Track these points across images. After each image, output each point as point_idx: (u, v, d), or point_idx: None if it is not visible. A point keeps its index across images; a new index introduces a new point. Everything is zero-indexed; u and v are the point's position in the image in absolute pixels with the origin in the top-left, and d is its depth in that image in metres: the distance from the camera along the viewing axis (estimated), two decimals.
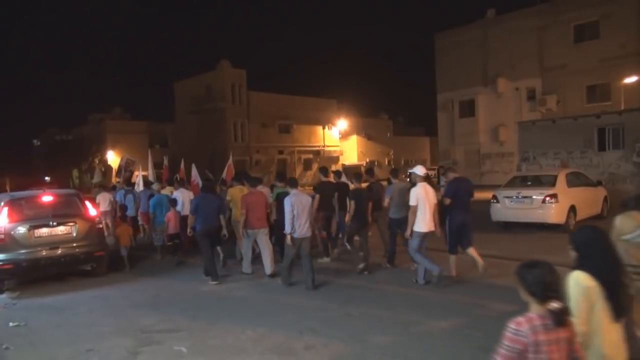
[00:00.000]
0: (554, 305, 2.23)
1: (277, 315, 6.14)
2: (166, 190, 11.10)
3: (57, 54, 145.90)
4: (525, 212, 11.27)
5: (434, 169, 27.95)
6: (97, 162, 37.68)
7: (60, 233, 8.22)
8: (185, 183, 12.42)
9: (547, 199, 10.88)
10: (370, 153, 50.58)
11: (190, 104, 42.19)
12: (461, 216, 7.41)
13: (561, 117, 20.03)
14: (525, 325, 2.23)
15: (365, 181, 9.19)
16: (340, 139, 48.74)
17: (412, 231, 7.09)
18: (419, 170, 7.29)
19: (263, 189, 9.44)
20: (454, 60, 31.87)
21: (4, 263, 7.74)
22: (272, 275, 8.12)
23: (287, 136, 44.52)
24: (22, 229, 7.93)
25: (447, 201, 7.46)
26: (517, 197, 11.47)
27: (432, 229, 7.11)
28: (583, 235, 2.83)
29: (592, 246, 2.71)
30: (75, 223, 8.39)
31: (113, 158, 39.24)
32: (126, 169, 17.51)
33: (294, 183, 7.79)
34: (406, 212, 7.52)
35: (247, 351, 5.01)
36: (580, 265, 2.66)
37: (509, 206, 11.60)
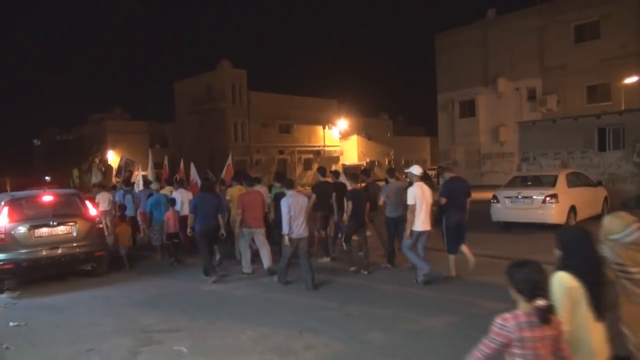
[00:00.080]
0: (540, 303, 2.31)
1: (277, 315, 6.14)
2: (165, 190, 11.10)
3: (58, 54, 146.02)
4: (526, 212, 11.27)
5: (434, 169, 27.97)
6: (98, 161, 37.67)
7: (60, 233, 8.22)
8: (185, 183, 12.43)
9: (548, 199, 10.88)
10: (371, 153, 50.57)
11: (191, 104, 42.20)
12: (457, 216, 7.48)
13: (561, 117, 20.01)
14: (511, 321, 2.33)
15: (362, 181, 9.25)
16: (340, 139, 48.74)
17: (411, 230, 7.13)
18: (416, 170, 7.40)
19: (261, 189, 9.48)
20: (454, 60, 31.87)
21: (5, 263, 7.74)
22: (271, 271, 8.16)
23: (288, 136, 44.52)
24: (22, 229, 7.93)
25: (443, 201, 7.52)
26: (517, 197, 11.47)
27: (428, 228, 7.22)
28: (568, 235, 2.89)
29: (576, 246, 2.77)
30: (76, 223, 8.39)
31: (113, 158, 39.24)
32: (126, 169, 17.52)
33: (290, 184, 7.83)
34: (403, 211, 7.60)
35: (247, 351, 5.01)
36: (564, 266, 2.72)
37: (509, 206, 11.60)
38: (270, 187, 10.08)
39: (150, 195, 10.87)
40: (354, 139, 50.27)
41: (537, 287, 2.36)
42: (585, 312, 2.62)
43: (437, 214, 7.72)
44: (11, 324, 6.28)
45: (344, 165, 42.65)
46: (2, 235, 7.79)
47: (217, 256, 8.97)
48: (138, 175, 15.74)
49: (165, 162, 16.48)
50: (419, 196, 7.07)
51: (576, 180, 12.17)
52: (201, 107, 41.13)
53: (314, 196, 9.05)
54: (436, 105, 33.92)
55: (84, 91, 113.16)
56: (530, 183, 12.23)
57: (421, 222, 7.11)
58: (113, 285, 8.24)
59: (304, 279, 7.42)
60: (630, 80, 23.01)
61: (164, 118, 48.29)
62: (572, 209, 11.23)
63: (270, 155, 43.09)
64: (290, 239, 7.30)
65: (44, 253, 7.97)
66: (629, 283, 2.89)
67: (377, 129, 54.43)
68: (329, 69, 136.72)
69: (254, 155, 41.71)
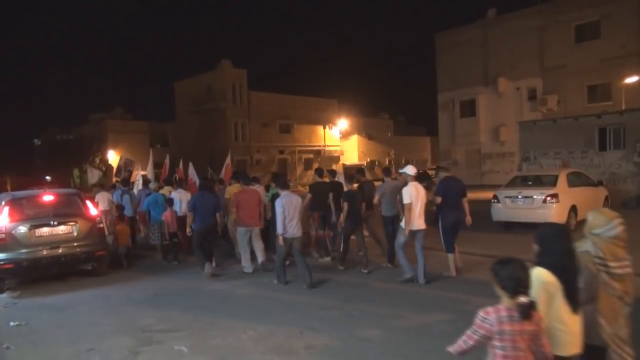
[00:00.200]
0: (522, 299, 2.41)
1: (277, 315, 6.14)
2: (164, 191, 11.15)
3: (58, 54, 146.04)
4: (526, 212, 11.26)
5: (434, 169, 27.96)
6: (98, 161, 37.68)
7: (61, 232, 8.22)
8: (184, 183, 12.47)
9: (548, 198, 10.87)
10: (371, 153, 50.55)
11: (191, 104, 42.20)
12: (453, 215, 7.57)
13: (562, 117, 20.00)
14: (492, 314, 2.45)
15: (357, 181, 9.33)
16: (340, 139, 48.74)
17: (408, 229, 7.19)
18: (410, 169, 7.47)
19: (259, 188, 9.55)
20: (454, 60, 31.85)
21: (5, 262, 7.74)
22: (266, 267, 8.42)
23: (288, 136, 44.52)
24: (22, 229, 7.93)
25: (438, 200, 7.59)
26: (518, 197, 11.47)
27: (423, 226, 7.30)
28: (545, 231, 2.99)
29: (553, 242, 2.87)
30: (76, 222, 8.39)
31: (114, 158, 39.25)
32: (125, 169, 17.55)
33: (284, 184, 7.89)
34: (398, 209, 7.67)
35: (248, 351, 5.01)
36: (540, 261, 2.82)
37: (510, 206, 11.59)
38: (268, 187, 10.15)
39: (149, 194, 10.91)
40: (355, 139, 50.25)
41: (520, 284, 2.46)
42: (561, 306, 2.73)
43: (435, 214, 7.80)
44: (12, 323, 6.28)
45: (344, 165, 42.64)
46: (3, 235, 7.79)
47: (213, 264, 8.91)
48: (137, 175, 15.77)
49: (166, 161, 16.49)
50: (414, 195, 7.17)
51: (577, 180, 12.16)
52: (201, 107, 41.13)
53: (309, 196, 9.17)
54: (436, 105, 33.90)
55: (85, 91, 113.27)
56: (530, 183, 12.21)
57: (417, 220, 7.21)
58: (113, 284, 8.24)
59: (302, 277, 7.47)
60: (631, 80, 22.99)
61: (164, 118, 48.32)
62: (573, 209, 11.22)
63: (270, 155, 43.09)
64: (284, 239, 7.37)
65: (45, 253, 7.97)
66: (607, 276, 2.99)
67: (377, 128, 54.42)
68: (330, 69, 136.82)
69: (255, 155, 41.71)
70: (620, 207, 14.09)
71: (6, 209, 8.06)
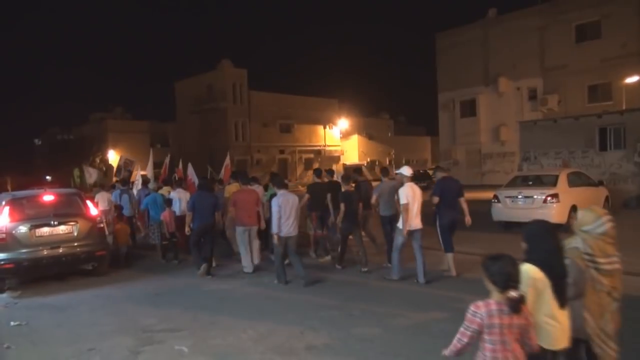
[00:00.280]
0: (512, 294, 2.48)
1: (278, 314, 6.14)
2: (163, 191, 11.21)
3: (58, 54, 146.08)
4: (527, 212, 11.23)
5: (433, 169, 28.00)
6: (99, 161, 37.68)
7: (61, 232, 8.22)
8: (183, 183, 12.53)
9: (549, 198, 10.86)
10: (372, 153, 50.54)
11: (192, 104, 42.21)
12: (450, 215, 7.63)
13: (562, 116, 20.00)
14: (482, 308, 2.51)
15: (355, 181, 9.41)
16: (341, 139, 48.73)
17: (405, 229, 7.24)
18: (406, 170, 7.58)
19: (258, 188, 9.64)
20: (455, 59, 31.84)
21: (5, 262, 7.73)
22: (259, 267, 8.52)
23: (288, 136, 44.52)
24: (23, 229, 7.93)
25: (435, 200, 7.64)
26: (518, 197, 11.46)
27: (420, 226, 7.37)
28: (532, 229, 3.07)
29: (539, 239, 2.96)
30: (77, 222, 8.39)
31: (114, 157, 39.25)
32: (125, 169, 17.59)
33: (281, 184, 7.96)
34: (396, 209, 7.76)
35: (249, 351, 5.00)
36: (529, 258, 2.89)
37: (510, 206, 11.59)
38: (266, 187, 10.22)
39: (148, 194, 10.97)
40: (355, 139, 50.25)
41: (510, 279, 2.53)
42: (550, 301, 2.81)
43: (433, 213, 7.87)
44: (12, 323, 6.28)
45: (344, 164, 42.66)
46: (3, 235, 7.79)
47: (214, 264, 8.96)
48: (137, 175, 15.81)
49: (166, 161, 16.51)
50: (411, 196, 7.24)
51: (577, 179, 12.15)
52: (202, 107, 41.14)
53: (306, 196, 9.24)
54: (437, 104, 33.89)
55: (85, 91, 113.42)
56: (531, 183, 12.21)
57: (413, 220, 7.28)
58: (114, 284, 8.24)
59: (298, 274, 7.55)
60: (632, 79, 22.96)
61: (164, 118, 48.36)
62: (573, 209, 11.20)
63: (270, 155, 43.10)
64: (279, 238, 7.44)
65: (45, 253, 7.96)
66: (595, 272, 3.05)
67: (377, 128, 54.42)
68: (330, 69, 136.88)
69: (255, 155, 41.72)
70: (620, 207, 14.09)
71: (6, 209, 8.06)
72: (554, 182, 11.43)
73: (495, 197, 11.96)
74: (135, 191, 12.96)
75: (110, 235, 10.54)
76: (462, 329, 2.57)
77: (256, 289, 7.57)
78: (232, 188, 9.72)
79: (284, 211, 7.41)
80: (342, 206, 8.29)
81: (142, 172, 16.92)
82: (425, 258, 7.44)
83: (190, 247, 8.71)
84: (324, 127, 46.49)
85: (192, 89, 42.67)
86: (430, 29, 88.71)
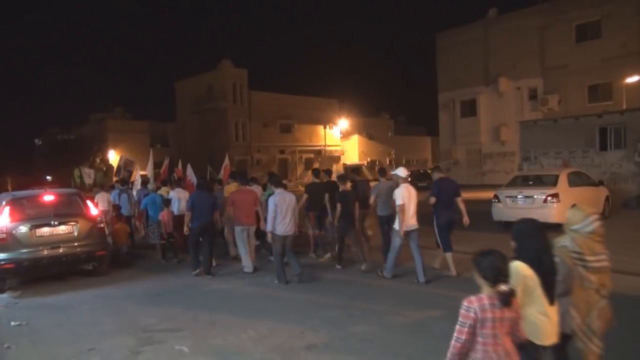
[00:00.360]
0: (503, 288, 2.53)
1: (278, 314, 6.14)
2: (162, 191, 11.25)
3: (59, 54, 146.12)
4: (527, 211, 11.20)
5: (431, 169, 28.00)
6: (99, 161, 37.67)
7: (61, 232, 8.22)
8: (182, 182, 12.58)
9: (549, 198, 10.86)
10: (372, 153, 50.52)
11: (192, 104, 42.21)
12: (447, 214, 7.70)
13: (563, 116, 19.99)
14: (475, 303, 2.55)
15: (352, 180, 9.52)
16: (341, 139, 48.72)
17: (402, 229, 7.29)
18: (401, 172, 7.63)
19: (257, 189, 9.75)
20: (455, 59, 31.83)
21: (6, 262, 7.73)
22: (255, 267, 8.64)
23: (288, 136, 44.52)
24: (23, 229, 7.93)
25: (432, 200, 7.70)
26: (518, 196, 11.46)
27: (416, 226, 7.46)
28: (520, 228, 3.15)
29: (528, 237, 3.03)
30: (77, 222, 8.39)
31: (114, 157, 39.25)
32: (125, 169, 17.62)
33: (278, 182, 8.03)
34: (393, 209, 7.82)
35: (249, 350, 5.00)
36: (518, 256, 2.96)
37: (511, 206, 11.58)
38: (264, 187, 10.28)
39: (147, 195, 11.00)
40: (355, 139, 50.23)
41: (500, 273, 2.58)
42: (540, 298, 2.88)
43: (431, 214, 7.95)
44: (12, 323, 6.28)
45: (344, 164, 42.66)
46: (4, 235, 7.79)
47: (213, 263, 9.00)
48: (137, 175, 15.87)
49: (166, 162, 16.59)
50: (406, 196, 7.33)
51: (577, 179, 12.15)
52: (202, 107, 41.14)
53: (305, 196, 9.31)
54: (437, 104, 33.89)
55: (85, 91, 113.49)
56: (531, 182, 12.20)
57: (408, 220, 7.36)
58: (114, 284, 8.24)
59: (295, 273, 7.63)
60: (632, 79, 22.95)
61: (165, 118, 48.36)
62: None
63: (271, 155, 43.10)
64: (273, 236, 7.55)
65: (45, 253, 7.96)
66: (583, 270, 3.13)
67: (378, 128, 54.41)
68: (330, 69, 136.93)
69: (255, 155, 41.72)
70: (621, 207, 14.09)
71: (7, 209, 8.06)
72: (554, 182, 11.43)
73: (496, 197, 11.96)
74: (134, 191, 12.98)
75: (109, 235, 10.56)
76: (458, 327, 2.57)
77: (256, 288, 7.58)
78: (231, 188, 9.82)
79: (280, 210, 7.50)
80: (338, 206, 8.36)
81: (143, 172, 16.95)
82: (423, 257, 7.47)
83: (189, 246, 8.74)
84: (324, 127, 46.48)
85: (192, 89, 42.67)
86: (431, 28, 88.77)
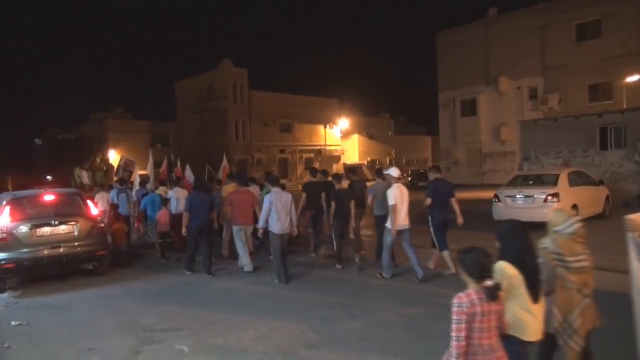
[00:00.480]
0: (488, 283, 2.62)
1: (278, 314, 6.14)
2: (160, 191, 11.30)
3: (59, 53, 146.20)
4: (527, 211, 11.22)
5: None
6: (99, 161, 37.67)
7: (62, 232, 8.22)
8: (181, 182, 12.64)
9: (549, 198, 10.85)
10: (372, 152, 50.52)
11: (192, 104, 42.21)
12: (442, 214, 7.79)
13: (563, 116, 19.97)
14: (465, 299, 2.62)
15: (349, 180, 9.68)
16: (341, 139, 48.72)
17: (394, 229, 7.36)
18: (394, 172, 7.73)
19: (255, 189, 9.91)
20: (455, 59, 31.81)
21: (6, 262, 7.74)
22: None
23: (289, 135, 44.51)
24: (24, 228, 7.93)
25: (429, 202, 7.77)
26: (519, 196, 11.45)
27: (408, 226, 7.54)
28: (503, 229, 3.24)
29: (511, 238, 3.12)
30: (77, 222, 8.39)
31: (115, 157, 39.26)
32: (126, 169, 17.66)
33: (275, 182, 8.09)
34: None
35: (249, 350, 5.01)
36: (503, 256, 3.04)
37: (511, 205, 11.57)
38: (262, 187, 10.36)
39: (146, 194, 11.01)
40: (355, 139, 50.23)
41: (484, 269, 2.67)
42: (525, 296, 2.96)
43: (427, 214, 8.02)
44: (13, 323, 6.28)
45: (345, 164, 42.66)
46: (4, 235, 7.80)
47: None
48: (136, 175, 15.94)
49: (165, 163, 16.67)
50: (399, 196, 7.39)
51: (578, 179, 12.14)
52: (202, 107, 41.13)
53: (304, 195, 9.40)
54: (437, 104, 33.88)
55: (86, 90, 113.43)
56: (532, 182, 12.20)
57: (401, 220, 7.43)
58: (114, 284, 8.24)
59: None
60: (632, 79, 22.93)
61: (165, 118, 48.34)
62: (574, 208, 11.19)
63: (271, 155, 43.10)
64: (273, 234, 7.63)
65: (46, 252, 7.97)
66: (564, 271, 3.22)
67: (378, 128, 54.39)
68: (331, 69, 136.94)
69: (255, 155, 41.72)
70: (621, 207, 14.08)
71: (7, 209, 8.06)
72: (554, 181, 11.43)
73: (496, 196, 11.96)
74: (134, 192, 13.00)
75: (108, 235, 10.58)
76: (455, 326, 2.61)
77: (257, 288, 7.58)
78: (229, 188, 9.95)
79: (276, 209, 7.58)
80: (332, 204, 8.50)
81: (143, 172, 16.99)
82: (417, 254, 7.55)
83: (188, 247, 8.78)
84: (325, 127, 46.47)
85: (192, 88, 42.67)
86: (431, 28, 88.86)
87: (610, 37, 25.06)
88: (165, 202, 10.20)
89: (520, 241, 3.09)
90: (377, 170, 9.50)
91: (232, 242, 9.14)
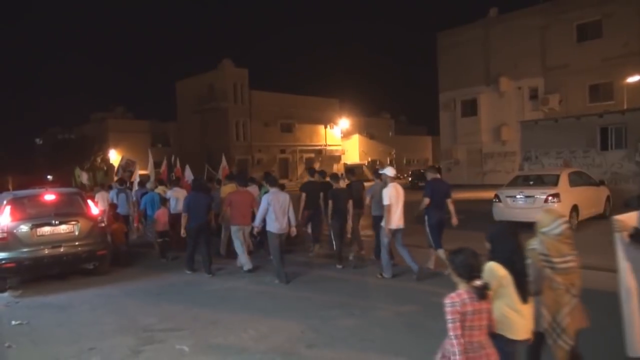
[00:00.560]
0: (477, 282, 2.70)
1: (278, 314, 6.14)
2: (159, 190, 11.32)
3: (59, 53, 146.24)
4: (528, 211, 11.20)
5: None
6: (100, 160, 37.68)
7: (62, 232, 8.22)
8: (180, 182, 12.66)
9: (550, 198, 10.84)
10: (372, 152, 50.54)
11: (193, 104, 42.22)
12: (438, 214, 7.82)
13: (564, 116, 19.95)
14: (457, 298, 2.70)
15: (348, 180, 9.76)
16: (342, 138, 48.73)
17: (388, 228, 7.41)
18: (389, 171, 7.78)
19: (254, 189, 9.98)
20: (456, 59, 31.79)
21: (7, 262, 7.74)
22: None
23: (289, 135, 44.52)
24: (24, 228, 7.93)
25: (427, 201, 7.78)
26: (519, 196, 11.45)
27: (402, 226, 7.58)
28: (494, 230, 3.32)
29: (501, 239, 3.20)
30: (78, 222, 8.39)
31: (115, 157, 39.28)
32: (126, 169, 17.68)
33: (273, 182, 8.15)
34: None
35: (249, 350, 5.01)
36: (493, 257, 3.12)
37: (512, 206, 11.56)
38: (260, 186, 10.41)
39: (145, 194, 11.03)
40: (356, 138, 50.24)
41: (473, 269, 2.74)
42: (513, 295, 3.03)
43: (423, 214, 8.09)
44: (13, 322, 6.28)
45: (345, 164, 42.66)
46: (5, 234, 7.80)
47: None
48: (136, 175, 15.99)
49: (164, 163, 16.72)
50: (394, 196, 7.43)
51: (578, 179, 12.14)
52: (203, 107, 41.15)
53: (304, 195, 9.43)
54: (438, 104, 33.86)
55: (86, 90, 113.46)
56: (532, 182, 12.19)
57: (396, 220, 7.47)
58: (115, 283, 8.24)
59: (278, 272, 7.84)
60: (633, 79, 22.92)
61: (165, 117, 48.35)
62: (575, 209, 11.20)
63: (271, 155, 43.11)
64: (272, 234, 7.66)
65: (46, 252, 7.97)
66: (551, 272, 3.27)
67: (378, 128, 54.41)
68: (331, 68, 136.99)
69: (256, 155, 41.73)
70: (622, 207, 14.08)
71: (8, 208, 8.06)
72: (555, 181, 11.42)
73: (497, 196, 11.95)
74: (134, 191, 13.01)
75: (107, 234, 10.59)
76: (450, 325, 2.67)
77: (257, 288, 7.58)
78: (227, 189, 9.99)
79: (274, 209, 7.62)
80: (330, 203, 8.57)
81: (144, 172, 17.02)
82: (409, 251, 7.64)
83: (187, 247, 8.81)
84: (325, 127, 46.49)
85: (193, 88, 42.68)
86: (432, 28, 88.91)
87: (611, 37, 25.04)
88: (164, 201, 10.21)
89: (510, 243, 3.17)
90: (375, 171, 9.54)
91: (230, 241, 9.16)
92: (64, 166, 39.59)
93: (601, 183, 13.16)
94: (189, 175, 14.28)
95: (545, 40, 27.92)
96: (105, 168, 35.44)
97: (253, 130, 41.56)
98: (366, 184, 10.27)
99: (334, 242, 8.93)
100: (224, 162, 15.27)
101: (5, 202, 8.22)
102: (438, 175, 8.40)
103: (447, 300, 2.71)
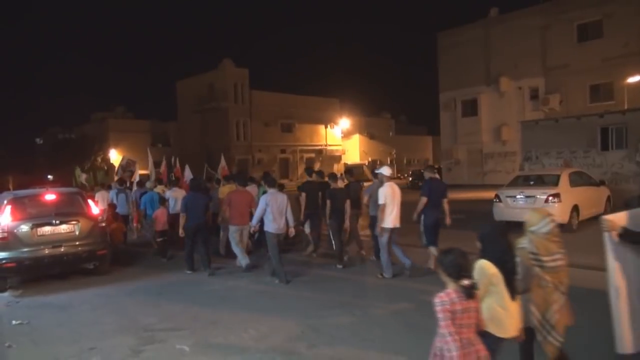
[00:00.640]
0: (465, 282, 2.77)
1: (279, 314, 6.14)
2: (158, 189, 11.37)
3: (59, 53, 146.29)
4: (528, 211, 11.23)
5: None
6: (100, 160, 37.69)
7: (63, 231, 8.22)
8: (179, 182, 12.68)
9: (550, 198, 10.84)
10: (373, 152, 50.54)
11: (193, 103, 42.23)
12: (435, 214, 7.87)
13: (564, 116, 19.95)
14: (446, 297, 2.78)
15: (347, 180, 9.82)
16: (342, 138, 48.73)
17: (382, 227, 7.45)
18: (386, 170, 7.81)
19: (253, 188, 10.03)
20: (456, 59, 31.79)
21: (7, 261, 7.74)
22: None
23: (289, 135, 44.53)
24: (25, 228, 7.94)
25: (424, 200, 7.82)
26: (519, 196, 11.45)
27: (398, 225, 7.60)
28: (484, 230, 3.37)
29: (492, 239, 3.26)
30: (78, 221, 8.39)
31: (116, 157, 39.30)
32: (126, 169, 17.71)
33: (272, 182, 8.19)
34: None
35: (250, 350, 5.01)
36: (484, 256, 3.18)
37: (512, 206, 11.56)
38: (259, 186, 10.46)
39: (144, 193, 11.04)
40: (356, 138, 50.25)
41: (462, 269, 2.81)
42: (503, 293, 3.10)
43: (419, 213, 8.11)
44: (14, 322, 6.28)
45: (345, 164, 42.66)
46: (5, 234, 7.80)
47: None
48: (137, 175, 16.04)
49: (163, 163, 16.75)
50: (390, 195, 7.44)
51: (579, 179, 12.14)
52: (203, 106, 41.16)
53: (304, 194, 9.46)
54: (438, 104, 33.87)
55: (87, 90, 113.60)
56: (532, 182, 12.19)
57: (392, 219, 7.48)
58: (115, 283, 8.25)
59: (275, 269, 7.88)
60: (633, 79, 22.91)
61: (166, 117, 48.39)
62: (575, 209, 11.20)
63: (272, 155, 43.11)
64: (269, 234, 7.68)
65: (47, 252, 7.97)
66: (540, 270, 3.33)
67: (379, 128, 54.43)
68: (331, 68, 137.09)
69: (256, 155, 41.74)
70: (622, 207, 14.08)
71: (8, 208, 8.06)
72: (555, 181, 11.42)
73: (497, 196, 11.95)
74: (133, 191, 13.01)
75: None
76: (442, 323, 2.73)
77: (257, 287, 7.58)
78: (225, 189, 10.04)
79: (271, 209, 7.65)
80: (328, 202, 8.60)
81: (144, 172, 17.04)
82: (401, 249, 7.72)
83: (185, 247, 8.82)
84: (325, 127, 46.49)
85: (193, 88, 42.69)
86: (432, 28, 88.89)
87: (611, 38, 25.03)
88: (163, 200, 10.21)
89: (501, 243, 3.22)
90: (373, 172, 9.57)
91: (229, 241, 9.17)
92: (65, 166, 39.62)
93: (602, 183, 13.16)
94: (188, 175, 14.32)
95: (545, 40, 27.91)
96: (105, 168, 35.49)
97: (253, 130, 41.58)
98: (366, 184, 10.28)
99: (333, 242, 8.95)
100: (223, 162, 15.31)
101: (5, 201, 8.23)
102: (436, 175, 8.44)
103: (436, 300, 2.78)
